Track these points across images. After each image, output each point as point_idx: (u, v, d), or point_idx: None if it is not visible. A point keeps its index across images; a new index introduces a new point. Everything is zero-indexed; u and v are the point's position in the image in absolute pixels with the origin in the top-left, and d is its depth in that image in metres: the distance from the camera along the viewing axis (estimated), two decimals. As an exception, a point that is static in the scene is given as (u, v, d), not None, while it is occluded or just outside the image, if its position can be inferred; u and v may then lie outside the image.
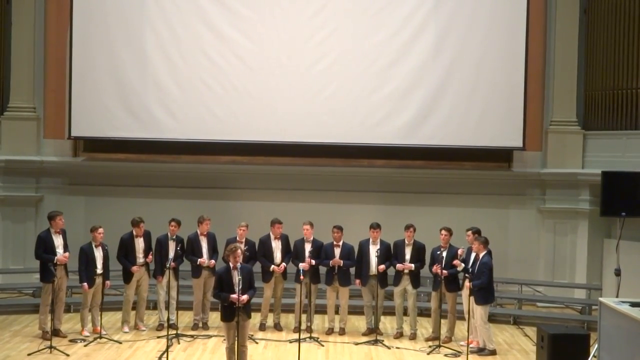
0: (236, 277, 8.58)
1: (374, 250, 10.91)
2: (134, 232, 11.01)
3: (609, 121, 12.95)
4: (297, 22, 13.05)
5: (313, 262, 10.94)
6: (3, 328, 11.09)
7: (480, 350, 10.27)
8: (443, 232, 10.81)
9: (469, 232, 10.71)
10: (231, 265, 8.66)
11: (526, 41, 12.97)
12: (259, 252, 11.19)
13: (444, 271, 10.55)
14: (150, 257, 11.08)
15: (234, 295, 8.54)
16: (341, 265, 11.01)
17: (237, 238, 11.06)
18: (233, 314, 8.56)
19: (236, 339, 8.62)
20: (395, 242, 11.11)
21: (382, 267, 10.92)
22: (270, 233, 11.27)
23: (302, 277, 10.32)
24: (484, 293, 10.16)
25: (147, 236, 11.13)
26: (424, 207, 13.18)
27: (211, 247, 11.24)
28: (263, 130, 13.06)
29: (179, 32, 13.09)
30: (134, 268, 10.93)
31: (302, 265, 10.77)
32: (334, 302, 11.23)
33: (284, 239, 11.29)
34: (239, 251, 8.72)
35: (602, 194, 10.82)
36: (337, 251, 11.09)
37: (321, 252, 11.13)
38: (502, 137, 13.08)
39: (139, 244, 11.03)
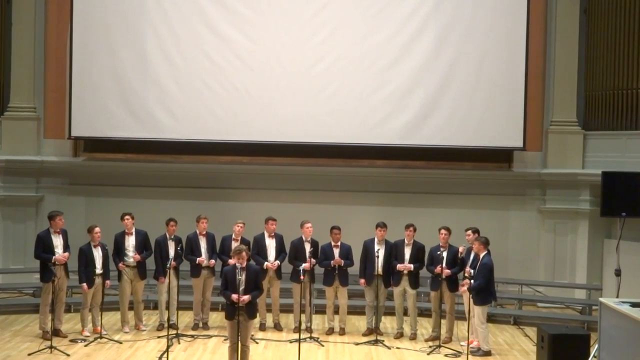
0: (237, 277, 8.63)
1: (378, 250, 10.90)
2: (125, 229, 10.98)
3: (609, 121, 12.95)
4: (297, 22, 13.05)
5: (314, 261, 10.91)
6: (3, 328, 11.09)
7: (476, 351, 10.24)
8: (442, 231, 10.80)
9: (469, 232, 10.71)
10: (237, 265, 8.71)
11: (526, 41, 12.97)
12: (252, 250, 11.17)
13: (447, 271, 10.54)
14: (137, 256, 10.96)
15: (234, 295, 8.59)
16: (342, 265, 11.01)
17: (233, 236, 11.06)
18: (234, 313, 8.60)
19: (239, 338, 8.65)
20: (395, 242, 11.10)
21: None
22: (265, 231, 11.26)
23: (302, 276, 10.32)
24: (482, 294, 10.13)
25: (139, 235, 11.05)
26: (425, 208, 13.17)
27: (210, 246, 11.24)
28: (263, 130, 13.06)
29: (179, 32, 13.09)
30: (120, 265, 10.88)
31: (305, 266, 10.77)
32: (333, 302, 11.22)
33: (279, 238, 11.28)
34: (244, 253, 8.78)
35: (602, 194, 10.82)
36: (336, 251, 11.08)
37: (320, 252, 11.13)
38: (503, 137, 13.08)
39: (129, 241, 10.97)
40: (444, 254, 10.65)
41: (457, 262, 10.69)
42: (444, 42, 13.01)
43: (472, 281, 10.03)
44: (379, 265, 10.89)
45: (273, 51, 13.05)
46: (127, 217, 11.01)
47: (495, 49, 13.00)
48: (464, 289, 10.30)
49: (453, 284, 10.70)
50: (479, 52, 13.00)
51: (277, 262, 11.19)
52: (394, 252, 11.04)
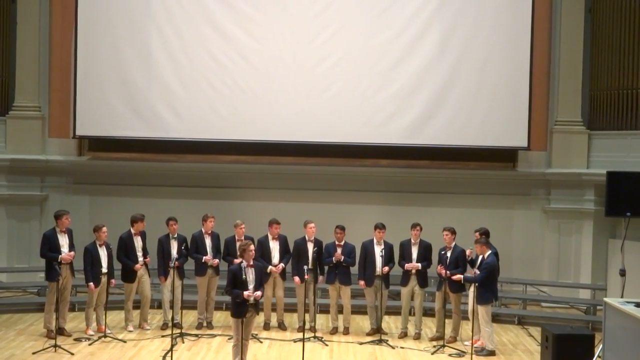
0: (250, 275, 8.79)
1: (378, 251, 10.91)
2: (133, 231, 10.99)
3: (613, 121, 12.94)
4: (301, 21, 13.05)
5: (307, 276, 10.60)
6: (8, 326, 11.11)
7: (480, 350, 10.24)
8: (445, 232, 10.80)
9: (477, 233, 10.70)
10: (245, 263, 8.79)
11: (531, 41, 12.96)
12: (256, 252, 11.13)
13: (447, 272, 10.50)
14: (148, 258, 11.07)
15: (247, 292, 8.68)
16: (341, 260, 10.99)
17: (237, 237, 11.06)
18: (245, 310, 8.69)
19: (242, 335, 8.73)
20: (401, 242, 11.09)
21: (387, 268, 10.92)
22: (268, 233, 11.25)
23: (307, 276, 10.32)
24: (484, 293, 10.12)
25: (143, 236, 11.11)
26: (429, 207, 13.17)
27: (215, 246, 11.26)
28: (267, 129, 13.07)
29: (183, 32, 13.10)
30: (138, 266, 10.92)
31: (296, 280, 10.89)
32: (336, 302, 11.22)
33: (282, 240, 11.27)
34: (252, 247, 8.87)
35: (607, 194, 10.79)
36: (339, 251, 11.08)
37: (323, 251, 11.13)
38: (507, 137, 13.07)
39: (138, 242, 11.01)
40: (448, 254, 10.63)
41: (459, 262, 10.66)
42: (448, 41, 13.00)
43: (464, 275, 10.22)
44: (377, 266, 10.88)
45: (277, 51, 13.07)
46: (144, 220, 11.05)
47: (499, 49, 12.99)
48: (457, 277, 10.35)
49: (455, 284, 10.65)
50: (483, 51, 12.99)
51: (282, 265, 11.18)
52: (400, 251, 11.04)
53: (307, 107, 13.06)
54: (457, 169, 13.46)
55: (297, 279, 10.95)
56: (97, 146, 13.70)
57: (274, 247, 11.22)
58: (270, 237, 11.23)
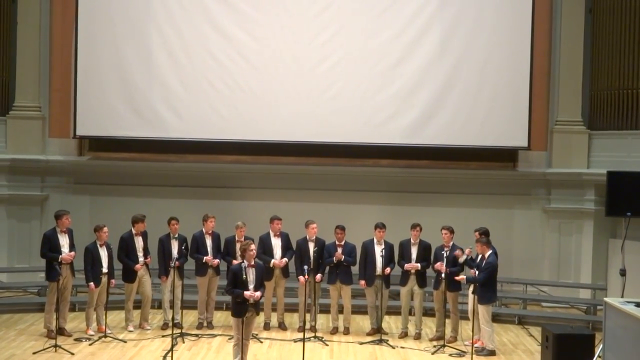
0: (251, 275, 8.83)
1: (379, 250, 10.91)
2: (134, 231, 11.01)
3: (614, 121, 12.94)
4: (302, 21, 13.06)
5: (307, 277, 10.51)
6: (8, 326, 11.12)
7: (481, 350, 10.24)
8: (444, 231, 10.80)
9: (477, 233, 10.69)
10: (246, 262, 8.84)
11: (531, 41, 12.96)
12: (258, 250, 11.13)
13: (446, 268, 10.48)
14: (149, 258, 11.11)
15: (248, 292, 8.72)
16: (342, 259, 10.99)
17: (237, 238, 11.06)
18: (245, 310, 8.73)
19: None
20: (401, 242, 11.10)
21: (388, 269, 10.92)
22: (270, 230, 11.26)
23: (307, 276, 10.32)
24: (486, 292, 10.12)
25: (144, 235, 11.14)
26: (429, 207, 13.17)
27: (216, 246, 11.26)
28: (268, 129, 13.08)
29: (184, 32, 13.11)
30: (138, 266, 10.94)
31: (301, 281, 10.82)
32: (336, 302, 11.23)
33: (284, 237, 11.27)
34: (252, 246, 8.92)
35: (607, 194, 10.79)
36: (340, 251, 11.08)
37: (324, 251, 11.13)
38: (507, 137, 13.07)
39: (139, 242, 11.04)
40: (447, 253, 10.62)
41: (457, 262, 10.65)
42: (449, 41, 13.01)
43: (466, 276, 10.21)
44: (378, 266, 10.88)
45: (277, 50, 13.07)
46: (145, 220, 11.05)
47: (500, 49, 13.00)
48: (460, 277, 10.34)
49: (453, 283, 10.64)
50: (484, 51, 13.00)
51: (285, 259, 11.19)
52: (399, 251, 11.05)
53: (308, 107, 13.07)
54: (457, 169, 13.46)
55: (301, 278, 10.89)
56: (97, 146, 13.71)
57: (276, 243, 11.22)
58: (272, 233, 11.24)
